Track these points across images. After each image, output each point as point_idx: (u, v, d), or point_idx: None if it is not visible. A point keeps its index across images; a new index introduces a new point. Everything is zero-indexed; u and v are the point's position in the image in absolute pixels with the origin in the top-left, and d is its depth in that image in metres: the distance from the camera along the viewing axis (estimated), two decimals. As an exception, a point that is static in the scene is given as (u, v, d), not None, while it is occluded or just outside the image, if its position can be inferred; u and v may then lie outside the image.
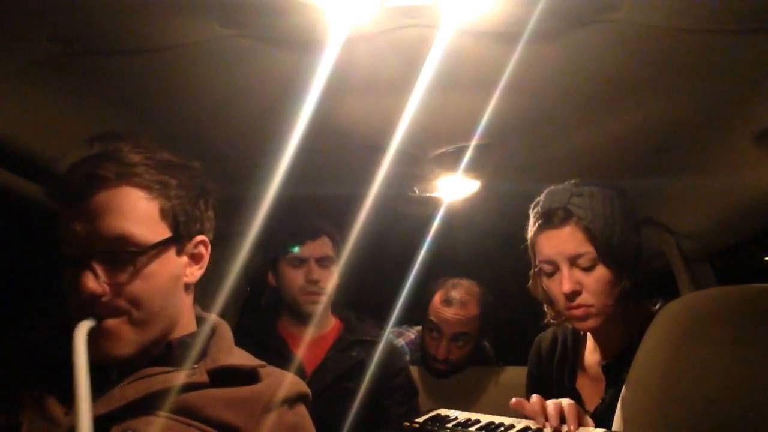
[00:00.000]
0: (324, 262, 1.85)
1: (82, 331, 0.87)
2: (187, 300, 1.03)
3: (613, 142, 1.54)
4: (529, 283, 1.42)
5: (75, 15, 0.97)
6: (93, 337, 0.89)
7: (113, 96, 1.25)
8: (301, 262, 1.83)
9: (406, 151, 1.55)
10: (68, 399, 0.90)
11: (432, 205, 2.03)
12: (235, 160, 1.61)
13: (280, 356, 1.71)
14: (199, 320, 1.07)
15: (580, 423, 1.11)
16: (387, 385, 1.83)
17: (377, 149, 1.53)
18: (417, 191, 1.95)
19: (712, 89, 1.23)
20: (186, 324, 1.03)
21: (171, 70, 1.16)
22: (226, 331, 1.08)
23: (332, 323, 1.91)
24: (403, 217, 2.22)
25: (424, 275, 2.08)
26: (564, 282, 1.28)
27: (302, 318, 1.83)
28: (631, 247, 1.31)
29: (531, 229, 1.37)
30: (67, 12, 0.96)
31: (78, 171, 0.93)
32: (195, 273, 1.02)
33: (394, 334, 2.48)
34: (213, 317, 1.10)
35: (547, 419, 1.11)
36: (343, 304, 1.97)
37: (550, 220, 1.31)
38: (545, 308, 1.43)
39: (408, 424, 1.13)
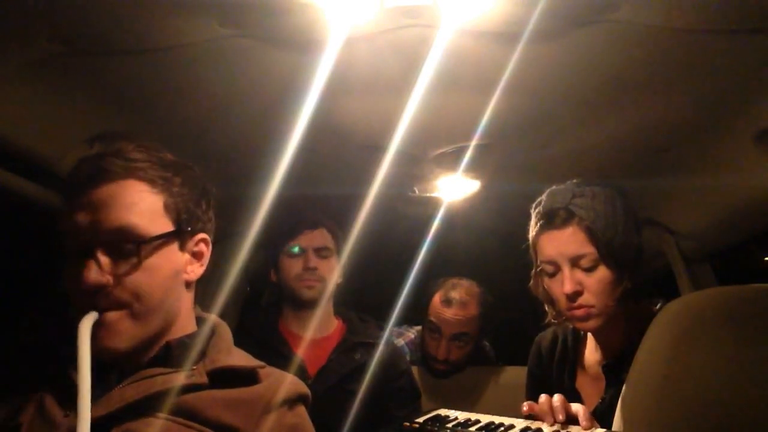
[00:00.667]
0: (322, 252, 1.85)
1: (87, 323, 0.87)
2: (187, 297, 1.03)
3: (613, 142, 1.54)
4: (530, 283, 1.42)
5: (75, 15, 0.97)
6: (93, 330, 0.89)
7: (113, 96, 1.25)
8: (299, 251, 1.84)
9: (406, 151, 1.55)
10: (67, 401, 0.90)
11: (432, 205, 2.04)
12: (235, 160, 1.61)
13: (281, 356, 1.71)
14: (199, 321, 1.07)
15: (591, 426, 1.11)
16: (390, 388, 1.83)
17: (377, 149, 1.53)
18: (417, 191, 1.95)
19: (712, 89, 1.23)
20: (185, 323, 1.03)
21: (171, 70, 1.16)
22: (226, 332, 1.08)
23: (335, 325, 1.91)
24: (403, 217, 2.22)
25: (424, 275, 2.08)
26: (565, 282, 1.28)
27: (301, 308, 1.82)
28: (633, 248, 1.31)
29: (532, 230, 1.37)
30: (67, 12, 0.96)
31: (84, 165, 0.95)
32: (196, 270, 1.03)
33: (394, 335, 2.48)
34: (213, 318, 1.10)
35: (554, 416, 1.11)
36: (343, 304, 1.97)
37: (551, 220, 1.31)
38: (546, 308, 1.43)
39: (408, 424, 1.13)
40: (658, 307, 1.39)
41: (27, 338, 1.02)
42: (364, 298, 2.44)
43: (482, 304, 2.30)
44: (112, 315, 0.91)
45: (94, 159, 0.96)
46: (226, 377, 0.97)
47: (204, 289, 1.11)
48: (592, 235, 1.27)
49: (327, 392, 1.71)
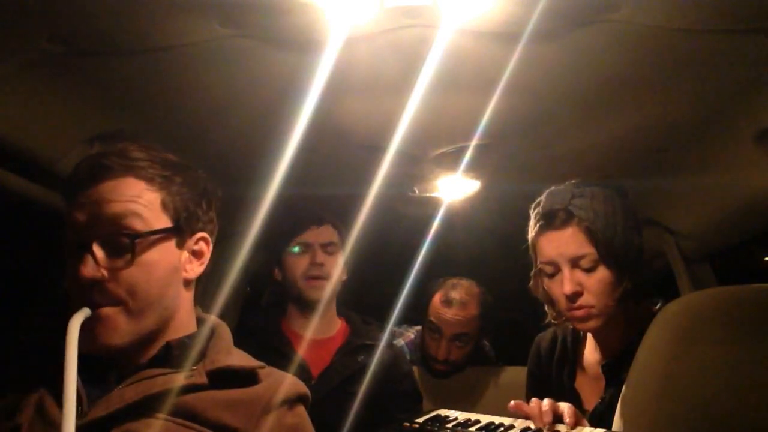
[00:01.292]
0: (329, 248, 1.82)
1: (77, 319, 0.87)
2: (186, 296, 1.03)
3: (613, 142, 1.54)
4: (530, 283, 1.42)
5: (75, 15, 0.97)
6: (89, 325, 0.89)
7: (113, 96, 1.25)
8: (305, 247, 1.81)
9: (406, 151, 1.55)
10: None
11: (432, 205, 2.03)
12: (235, 160, 1.61)
13: (284, 357, 1.70)
14: (199, 321, 1.07)
15: (577, 424, 1.11)
16: (392, 391, 1.82)
17: (377, 149, 1.53)
18: (417, 191, 1.95)
19: (712, 89, 1.23)
20: (185, 323, 1.03)
21: (171, 70, 1.16)
22: (225, 332, 1.08)
23: (338, 326, 1.89)
24: (403, 217, 2.22)
25: (424, 275, 2.08)
26: (565, 283, 1.28)
27: (307, 308, 1.81)
28: (633, 248, 1.31)
29: (532, 230, 1.37)
30: (67, 12, 0.96)
31: (85, 163, 0.96)
32: (195, 269, 1.03)
33: (394, 334, 2.48)
34: (212, 318, 1.10)
35: (542, 420, 1.11)
36: (344, 304, 1.96)
37: (551, 221, 1.31)
38: (546, 308, 1.43)
39: (408, 424, 1.13)
40: (657, 307, 1.40)
41: (26, 338, 1.01)
42: (364, 298, 2.44)
43: (482, 304, 2.30)
44: (107, 310, 0.91)
45: (95, 157, 0.97)
46: (225, 378, 0.97)
47: (204, 289, 1.11)
48: (592, 236, 1.27)
49: (329, 394, 1.70)
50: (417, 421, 1.14)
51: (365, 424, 1.64)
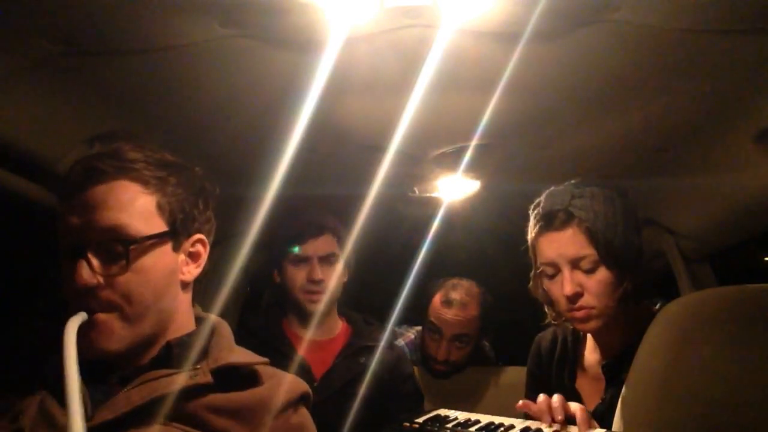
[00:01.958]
0: (328, 259, 1.82)
1: (73, 325, 0.86)
2: (184, 299, 1.03)
3: (613, 142, 1.54)
4: (530, 284, 1.42)
5: (75, 15, 0.97)
6: (85, 331, 0.89)
7: (113, 96, 1.25)
8: (303, 260, 1.80)
9: (406, 151, 1.55)
10: None
11: (432, 205, 2.03)
12: (235, 160, 1.61)
13: (286, 358, 1.69)
14: (198, 320, 1.07)
15: (589, 426, 1.10)
16: (395, 393, 1.82)
17: (377, 149, 1.53)
18: (417, 191, 1.95)
19: (712, 89, 1.23)
20: (184, 323, 1.03)
21: (171, 70, 1.16)
22: (226, 330, 1.08)
23: (340, 327, 1.89)
24: (403, 217, 2.22)
25: (424, 275, 2.07)
26: (565, 284, 1.28)
27: (305, 317, 1.81)
28: (633, 248, 1.31)
29: (532, 231, 1.37)
30: (67, 12, 0.96)
31: (77, 166, 0.95)
32: (192, 271, 1.02)
33: (395, 335, 2.48)
34: (212, 317, 1.10)
35: (552, 416, 1.11)
36: (344, 304, 1.96)
37: (551, 222, 1.31)
38: (546, 309, 1.43)
39: (408, 424, 1.13)
40: (657, 307, 1.40)
41: (27, 339, 1.01)
42: (364, 298, 2.44)
43: (482, 304, 2.30)
44: (102, 316, 0.91)
45: (88, 160, 0.96)
46: (230, 376, 0.97)
47: (204, 289, 1.11)
48: (592, 237, 1.27)
49: (332, 396, 1.70)
50: (417, 421, 1.14)
51: (367, 426, 1.63)
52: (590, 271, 1.28)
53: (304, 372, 1.67)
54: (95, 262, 0.91)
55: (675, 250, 2.08)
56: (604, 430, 1.06)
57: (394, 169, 1.60)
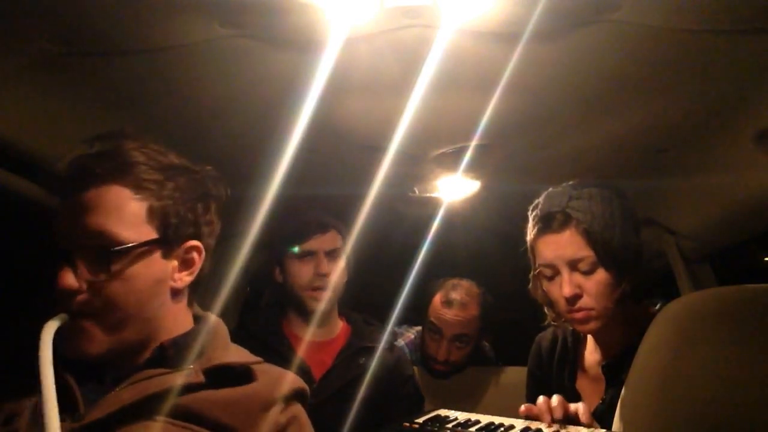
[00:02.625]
0: (333, 254, 1.81)
1: (50, 327, 0.86)
2: (174, 306, 1.00)
3: (613, 142, 1.54)
4: (530, 285, 1.42)
5: (75, 15, 0.97)
6: (67, 333, 0.89)
7: (113, 96, 1.25)
8: (309, 255, 1.80)
9: (406, 151, 1.55)
10: (63, 406, 0.89)
11: (432, 205, 2.03)
12: (235, 160, 1.61)
13: (284, 359, 1.68)
14: (196, 319, 1.06)
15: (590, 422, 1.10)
16: (395, 394, 1.81)
17: (377, 149, 1.53)
18: (417, 191, 1.95)
19: (712, 89, 1.23)
20: (178, 326, 1.01)
21: (171, 70, 1.16)
22: (222, 329, 1.07)
23: (340, 327, 1.88)
24: (403, 217, 2.22)
25: (424, 275, 2.07)
26: (564, 286, 1.28)
27: (306, 316, 1.80)
28: (631, 249, 1.31)
29: (530, 233, 1.37)
30: (67, 12, 0.96)
31: (72, 166, 0.94)
32: (184, 279, 1.00)
33: (395, 335, 2.48)
34: (208, 315, 1.09)
35: (552, 415, 1.11)
36: (344, 305, 1.96)
37: (549, 224, 1.31)
38: (545, 310, 1.43)
39: (408, 424, 1.13)
40: (657, 307, 1.39)
41: (22, 341, 1.01)
42: (364, 298, 2.44)
43: (482, 304, 2.30)
44: (83, 321, 0.90)
45: (82, 160, 0.94)
46: (222, 375, 0.97)
47: (204, 289, 1.10)
48: (590, 238, 1.27)
49: (331, 397, 1.69)
50: (417, 421, 1.14)
51: (367, 428, 1.63)
52: (589, 273, 1.28)
53: (303, 373, 1.66)
54: (80, 266, 0.90)
55: (675, 250, 2.08)
56: (604, 430, 1.06)
57: (394, 169, 1.60)
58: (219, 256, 1.10)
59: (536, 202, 1.38)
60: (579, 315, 1.29)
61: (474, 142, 1.52)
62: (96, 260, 0.90)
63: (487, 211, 2.16)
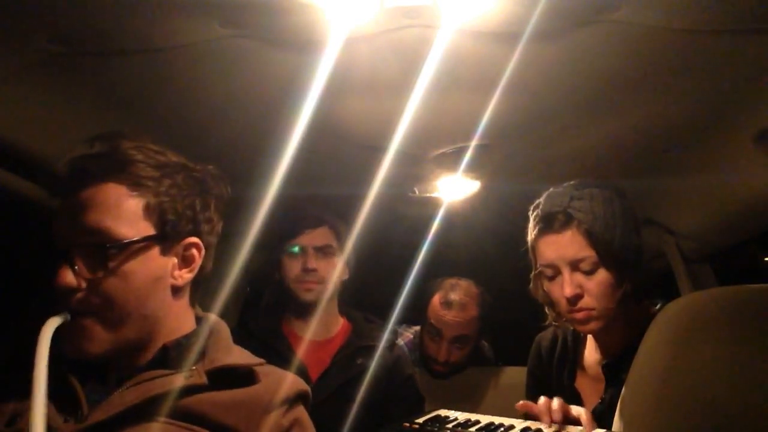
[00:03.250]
0: (324, 250, 1.81)
1: (50, 326, 0.86)
2: (175, 302, 1.00)
3: (613, 142, 1.54)
4: (530, 285, 1.42)
5: (75, 15, 0.97)
6: (67, 332, 0.89)
7: (113, 96, 1.25)
8: (299, 251, 1.80)
9: (406, 151, 1.55)
10: (66, 406, 0.90)
11: (432, 205, 2.03)
12: (235, 160, 1.61)
13: (283, 359, 1.68)
14: (197, 320, 1.06)
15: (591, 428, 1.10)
16: (394, 394, 1.80)
17: (377, 149, 1.53)
18: (417, 192, 1.95)
19: (712, 89, 1.23)
20: (180, 326, 1.01)
21: (171, 70, 1.16)
22: (224, 330, 1.07)
23: (339, 326, 1.88)
24: (403, 217, 2.22)
25: (424, 276, 2.07)
26: (566, 286, 1.28)
27: (301, 310, 1.80)
28: (632, 249, 1.31)
29: (531, 233, 1.37)
30: (67, 12, 0.96)
31: (68, 166, 0.94)
32: (184, 276, 0.99)
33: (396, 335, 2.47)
34: (210, 316, 1.09)
35: (552, 418, 1.11)
36: (346, 304, 1.96)
37: (550, 224, 1.31)
38: (546, 310, 1.43)
39: (408, 424, 1.13)
40: (657, 307, 1.39)
41: (25, 340, 1.01)
42: (364, 298, 2.43)
43: (481, 304, 2.29)
44: (83, 319, 0.90)
45: (78, 160, 0.94)
46: (225, 376, 0.97)
47: (204, 289, 1.10)
48: (591, 238, 1.27)
49: (329, 398, 1.68)
50: (417, 421, 1.14)
51: (367, 428, 1.63)
52: (590, 273, 1.28)
53: (301, 374, 1.66)
54: (79, 264, 0.90)
55: (675, 251, 2.08)
56: (604, 430, 1.06)
57: (394, 169, 1.60)
58: (219, 256, 1.10)
59: (537, 202, 1.38)
60: (580, 315, 1.29)
61: (474, 142, 1.52)
62: (94, 257, 0.90)
63: (487, 211, 2.16)
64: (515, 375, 2.26)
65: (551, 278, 1.33)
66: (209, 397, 0.94)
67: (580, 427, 1.10)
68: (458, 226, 2.25)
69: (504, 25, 1.01)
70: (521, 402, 1.16)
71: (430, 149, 1.60)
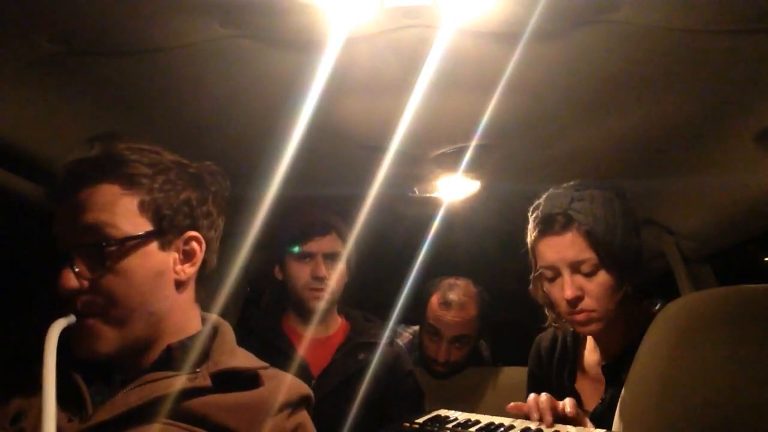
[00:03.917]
0: (332, 257, 1.82)
1: (56, 329, 0.87)
2: (180, 298, 1.01)
3: (613, 142, 1.54)
4: (530, 286, 1.42)
5: (75, 15, 0.97)
6: (75, 333, 0.89)
7: (113, 96, 1.25)
8: (308, 257, 1.81)
9: (406, 151, 1.55)
10: (70, 405, 0.90)
11: (432, 205, 2.03)
12: (235, 160, 1.61)
13: (285, 356, 1.69)
14: (202, 321, 1.06)
15: (579, 423, 1.11)
16: (394, 390, 1.81)
17: (377, 149, 1.53)
18: (417, 192, 1.95)
19: (712, 89, 1.23)
20: (184, 324, 1.02)
21: (171, 70, 1.16)
22: (228, 332, 1.08)
23: (339, 323, 1.89)
24: (403, 217, 2.22)
25: (424, 276, 2.07)
26: (566, 288, 1.27)
27: (306, 315, 1.81)
28: (632, 251, 1.31)
29: (531, 234, 1.36)
30: (67, 12, 0.96)
31: (62, 171, 0.95)
32: (186, 270, 1.00)
33: (396, 333, 2.47)
34: (214, 317, 1.09)
35: (540, 415, 1.11)
36: (345, 304, 1.96)
37: (550, 226, 1.30)
38: (546, 311, 1.43)
39: (408, 424, 1.13)
40: (657, 307, 1.39)
41: (29, 340, 1.01)
42: (365, 298, 2.43)
43: (480, 304, 2.29)
44: (89, 320, 0.91)
45: (71, 166, 0.95)
46: (229, 379, 0.97)
47: (204, 289, 1.10)
48: (592, 240, 1.26)
49: (330, 394, 1.69)
50: (417, 421, 1.14)
51: (367, 424, 1.63)
52: (590, 275, 1.28)
53: (302, 370, 1.67)
54: (79, 266, 0.90)
55: (675, 251, 2.08)
56: (604, 430, 1.06)
57: (394, 169, 1.60)
58: (219, 256, 1.10)
59: (537, 203, 1.38)
60: (580, 317, 1.29)
61: (474, 142, 1.52)
62: (93, 258, 0.91)
63: (487, 211, 2.16)
64: (515, 375, 2.26)
65: (551, 280, 1.33)
66: (213, 399, 0.94)
67: (580, 427, 1.10)
68: (458, 226, 2.25)
69: (504, 25, 1.01)
70: (512, 404, 1.16)
71: (430, 149, 1.60)
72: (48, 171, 1.29)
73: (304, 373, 1.66)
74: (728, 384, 0.67)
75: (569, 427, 1.10)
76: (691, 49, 1.08)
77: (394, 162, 1.56)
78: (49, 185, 0.96)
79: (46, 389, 0.81)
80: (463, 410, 1.21)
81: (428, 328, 2.29)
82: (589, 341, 1.47)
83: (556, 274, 1.31)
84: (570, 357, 1.50)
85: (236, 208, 1.60)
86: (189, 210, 1.00)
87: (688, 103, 1.30)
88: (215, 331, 1.05)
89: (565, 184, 1.37)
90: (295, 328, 1.84)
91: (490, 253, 2.39)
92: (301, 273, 1.80)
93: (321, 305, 1.79)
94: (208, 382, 0.94)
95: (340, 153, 1.62)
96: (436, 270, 2.26)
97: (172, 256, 0.98)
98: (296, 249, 1.82)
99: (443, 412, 1.21)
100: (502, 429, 1.10)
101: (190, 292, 1.04)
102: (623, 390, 0.87)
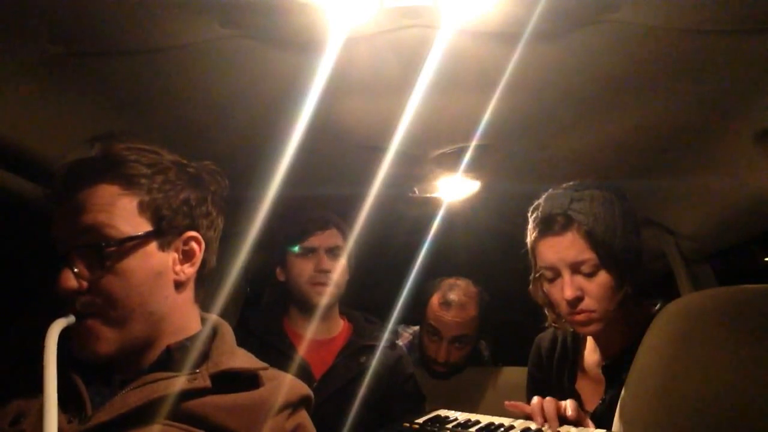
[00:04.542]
0: (334, 251, 1.82)
1: (55, 329, 0.86)
2: (180, 298, 1.00)
3: (613, 142, 1.54)
4: (530, 286, 1.42)
5: (75, 15, 0.97)
6: (74, 334, 0.89)
7: (113, 96, 1.25)
8: (310, 252, 1.81)
9: (406, 151, 1.55)
10: (70, 406, 0.90)
11: (432, 205, 2.03)
12: (235, 160, 1.61)
13: (287, 358, 1.69)
14: (201, 321, 1.06)
15: (580, 424, 1.11)
16: (396, 393, 1.81)
17: (377, 149, 1.53)
18: (417, 192, 1.95)
19: (712, 89, 1.23)
20: (183, 324, 1.02)
21: (171, 70, 1.16)
22: (228, 332, 1.07)
23: (341, 326, 1.89)
24: (404, 217, 2.22)
25: (424, 276, 2.07)
26: (566, 289, 1.27)
27: (309, 311, 1.80)
28: (632, 251, 1.31)
29: (531, 235, 1.36)
30: (68, 12, 0.96)
31: (61, 171, 0.95)
32: (186, 270, 1.00)
33: (396, 334, 2.47)
34: (214, 318, 1.09)
35: (545, 418, 1.11)
36: (344, 304, 1.96)
37: (550, 226, 1.30)
38: (546, 312, 1.43)
39: (408, 424, 1.13)
40: (657, 307, 1.39)
41: (29, 341, 1.01)
42: (364, 298, 2.44)
43: (480, 304, 2.29)
44: (88, 321, 0.91)
45: (69, 167, 0.95)
46: (229, 380, 0.97)
47: (204, 289, 1.10)
48: (592, 241, 1.26)
49: (332, 396, 1.69)
50: (417, 421, 1.14)
51: (368, 427, 1.63)
52: (590, 275, 1.28)
53: (304, 372, 1.67)
54: (78, 266, 0.90)
55: (675, 251, 2.08)
56: (604, 430, 1.06)
57: (394, 169, 1.60)
58: (219, 256, 1.10)
59: (536, 203, 1.38)
60: (580, 317, 1.29)
61: (474, 142, 1.52)
62: (92, 258, 0.91)
63: (487, 211, 2.16)
64: (515, 375, 2.26)
65: (551, 280, 1.33)
66: (212, 400, 0.94)
67: (580, 428, 1.10)
68: (458, 226, 2.25)
69: (504, 25, 1.01)
70: (511, 402, 1.16)
71: (430, 149, 1.60)
72: (48, 171, 1.29)
73: (305, 375, 1.65)
74: (728, 384, 0.67)
75: (570, 428, 1.11)
76: (691, 49, 1.08)
77: (394, 162, 1.56)
78: (48, 187, 0.96)
79: (47, 390, 0.81)
80: (463, 410, 1.21)
81: (428, 329, 2.29)
82: (589, 342, 1.47)
83: (556, 274, 1.31)
84: (570, 357, 1.50)
85: (236, 208, 1.61)
86: (188, 210, 1.00)
87: (688, 103, 1.30)
88: (215, 332, 1.05)
89: (564, 185, 1.37)
90: (296, 329, 1.84)
91: (490, 253, 2.39)
92: (304, 269, 1.80)
93: (325, 300, 1.78)
94: (207, 383, 0.94)
95: (340, 153, 1.62)
96: (436, 270, 2.26)
97: (172, 256, 0.98)
98: (297, 247, 1.82)
99: (443, 412, 1.21)
100: (502, 429, 1.11)
101: (189, 293, 1.03)
102: (623, 390, 0.87)
